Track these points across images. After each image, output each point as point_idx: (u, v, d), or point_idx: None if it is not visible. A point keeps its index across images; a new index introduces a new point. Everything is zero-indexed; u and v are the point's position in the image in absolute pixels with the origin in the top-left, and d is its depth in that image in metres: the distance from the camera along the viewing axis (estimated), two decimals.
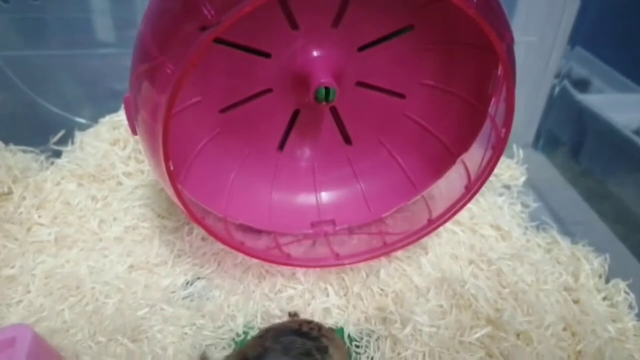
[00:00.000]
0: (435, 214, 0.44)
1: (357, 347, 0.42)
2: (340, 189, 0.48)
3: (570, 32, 0.60)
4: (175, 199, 0.37)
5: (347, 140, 0.46)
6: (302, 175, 0.47)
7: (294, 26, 0.37)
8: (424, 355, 0.40)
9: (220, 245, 0.45)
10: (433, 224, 0.43)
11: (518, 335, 0.41)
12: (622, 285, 0.46)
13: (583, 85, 0.64)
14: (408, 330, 0.41)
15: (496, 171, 0.42)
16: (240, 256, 0.47)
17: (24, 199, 0.52)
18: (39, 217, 0.51)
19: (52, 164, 0.57)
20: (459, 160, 0.44)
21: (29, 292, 0.44)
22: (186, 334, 0.42)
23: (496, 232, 0.52)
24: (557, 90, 0.65)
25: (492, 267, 0.47)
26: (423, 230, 0.44)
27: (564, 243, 0.51)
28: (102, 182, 0.55)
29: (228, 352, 0.40)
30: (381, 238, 0.45)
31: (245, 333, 0.42)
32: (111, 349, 0.40)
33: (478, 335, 0.41)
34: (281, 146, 0.45)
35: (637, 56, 0.58)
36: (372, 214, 0.48)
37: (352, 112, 0.44)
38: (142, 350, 0.40)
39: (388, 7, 0.38)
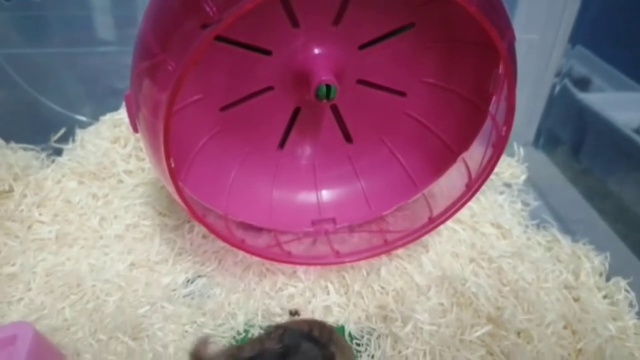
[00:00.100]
0: (435, 212, 0.44)
1: (358, 345, 0.42)
2: (340, 187, 0.48)
3: (570, 31, 0.60)
4: (176, 197, 0.37)
5: (348, 138, 0.46)
6: (302, 173, 0.47)
7: (295, 24, 0.37)
8: (425, 353, 0.40)
9: (220, 243, 0.46)
10: (433, 222, 0.44)
11: (518, 333, 0.41)
12: (623, 283, 0.46)
13: (583, 83, 0.64)
14: (408, 328, 0.41)
15: (496, 169, 0.42)
16: (241, 254, 0.47)
17: (25, 196, 0.52)
18: (40, 214, 0.51)
19: (53, 161, 0.57)
20: (459, 159, 0.44)
21: (29, 289, 0.45)
22: (187, 331, 0.42)
23: (496, 230, 0.52)
24: (557, 88, 0.65)
25: (493, 265, 0.47)
26: (423, 228, 0.44)
27: (564, 241, 0.51)
28: (103, 179, 0.55)
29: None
30: (381, 236, 0.45)
31: (246, 331, 0.42)
32: (112, 346, 0.40)
33: (478, 333, 0.41)
34: (282, 144, 0.45)
35: (637, 55, 0.57)
36: (373, 211, 0.48)
37: (352, 110, 0.44)
38: (143, 348, 0.40)
39: (388, 5, 0.38)
